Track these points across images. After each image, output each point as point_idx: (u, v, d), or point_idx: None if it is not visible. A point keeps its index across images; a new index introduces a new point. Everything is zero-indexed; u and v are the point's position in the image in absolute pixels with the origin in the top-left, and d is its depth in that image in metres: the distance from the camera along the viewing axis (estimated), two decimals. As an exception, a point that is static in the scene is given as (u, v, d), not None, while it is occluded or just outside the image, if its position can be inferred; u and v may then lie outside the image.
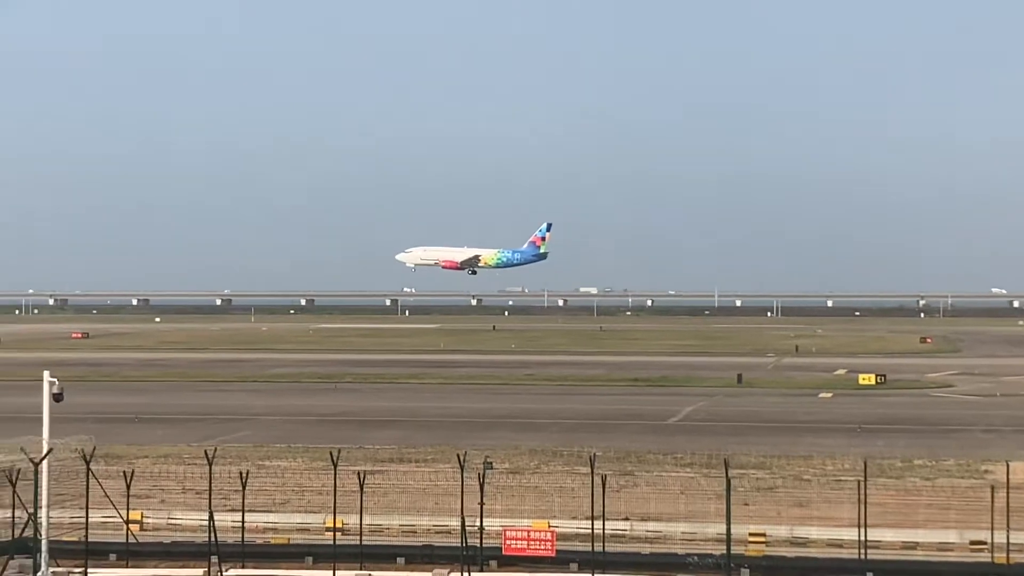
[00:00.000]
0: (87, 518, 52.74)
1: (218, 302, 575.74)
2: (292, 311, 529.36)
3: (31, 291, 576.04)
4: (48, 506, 50.93)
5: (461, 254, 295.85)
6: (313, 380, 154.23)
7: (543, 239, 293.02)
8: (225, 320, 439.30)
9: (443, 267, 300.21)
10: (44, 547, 50.66)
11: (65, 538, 53.70)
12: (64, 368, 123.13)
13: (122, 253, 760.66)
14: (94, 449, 53.95)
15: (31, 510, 50.24)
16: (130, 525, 55.61)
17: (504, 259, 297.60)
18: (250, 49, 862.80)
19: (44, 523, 50.61)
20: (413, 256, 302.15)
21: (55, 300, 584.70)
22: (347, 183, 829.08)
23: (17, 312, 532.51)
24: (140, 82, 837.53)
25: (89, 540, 52.37)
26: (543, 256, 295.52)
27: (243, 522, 54.64)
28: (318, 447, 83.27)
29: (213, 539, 52.25)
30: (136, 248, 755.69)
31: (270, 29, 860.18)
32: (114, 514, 55.52)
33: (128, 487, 55.16)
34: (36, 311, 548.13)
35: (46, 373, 52.59)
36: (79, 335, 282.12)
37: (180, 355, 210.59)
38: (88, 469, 52.45)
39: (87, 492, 52.63)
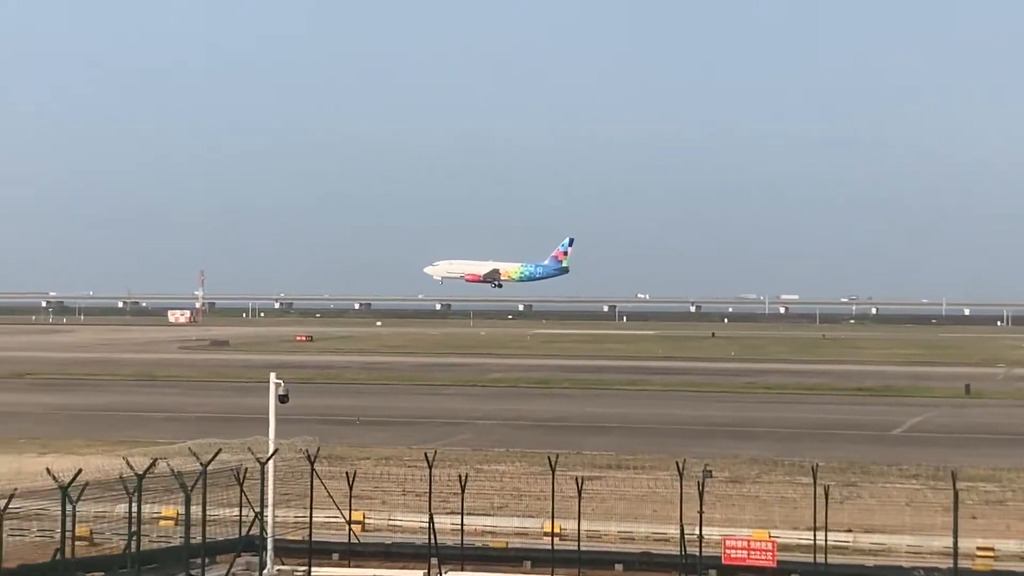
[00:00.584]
0: (311, 517, 54.16)
1: (438, 307, 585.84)
2: (510, 316, 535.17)
3: (258, 295, 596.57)
4: (273, 505, 52.51)
5: (483, 267, 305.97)
6: (530, 385, 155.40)
7: (565, 253, 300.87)
8: (445, 324, 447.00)
9: (466, 280, 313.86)
10: (270, 545, 52.24)
11: (289, 537, 55.27)
12: (289, 370, 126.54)
13: (344, 258, 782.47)
14: (318, 450, 55.40)
15: (257, 509, 51.86)
16: (352, 525, 56.89)
17: (527, 273, 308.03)
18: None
19: (270, 521, 52.20)
20: (439, 269, 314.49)
21: (280, 304, 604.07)
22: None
23: (244, 315, 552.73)
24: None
25: (313, 539, 53.77)
26: (565, 270, 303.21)
27: (462, 525, 55.33)
28: (536, 452, 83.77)
29: (433, 541, 53.04)
30: (357, 253, 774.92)
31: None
32: (337, 514, 56.89)
33: (351, 488, 56.46)
34: (262, 314, 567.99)
35: (272, 375, 54.24)
36: (303, 338, 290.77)
37: (401, 359, 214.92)
38: (312, 469, 53.86)
39: (311, 492, 54.06)
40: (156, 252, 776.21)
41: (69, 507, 44.85)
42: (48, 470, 45.29)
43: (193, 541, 49.06)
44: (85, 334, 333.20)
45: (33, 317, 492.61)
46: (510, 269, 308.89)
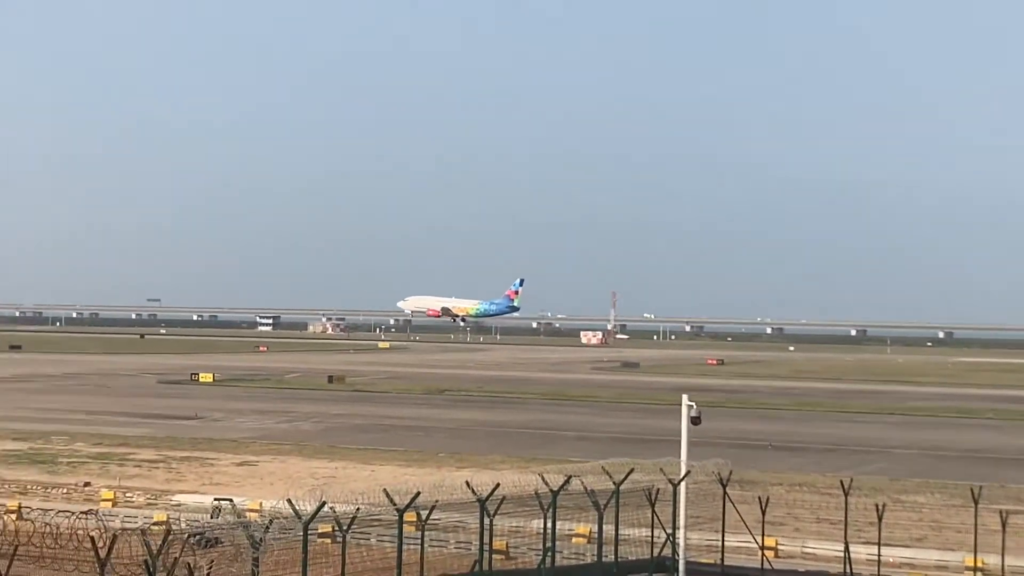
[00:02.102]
0: (723, 541, 54.01)
1: (852, 332, 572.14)
2: (929, 343, 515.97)
3: (669, 318, 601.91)
4: (685, 527, 52.73)
5: (439, 303, 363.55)
6: (953, 415, 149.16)
7: (516, 292, 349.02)
8: (859, 351, 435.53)
9: (428, 315, 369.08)
10: (682, 567, 52.45)
11: (702, 560, 55.32)
12: (699, 393, 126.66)
13: (755, 281, 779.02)
14: (730, 474, 55.21)
15: (669, 530, 52.21)
16: (765, 551, 56.33)
17: (482, 310, 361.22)
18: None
19: (682, 543, 52.44)
20: (409, 304, 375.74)
21: (691, 327, 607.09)
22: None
23: (655, 338, 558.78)
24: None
25: (725, 563, 53.60)
26: (516, 308, 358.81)
27: (879, 555, 53.72)
28: (956, 483, 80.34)
29: (849, 571, 51.78)
30: (766, 277, 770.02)
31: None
32: (748, 539, 56.46)
33: (763, 513, 55.94)
34: (672, 337, 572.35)
35: (684, 397, 54.53)
36: (714, 361, 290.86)
37: (814, 384, 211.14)
38: (724, 493, 53.73)
39: (723, 516, 53.93)
40: (570, 274, 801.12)
41: (487, 520, 46.67)
42: (468, 483, 47.26)
43: (605, 559, 49.95)
44: (501, 353, 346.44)
45: (452, 335, 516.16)
46: (468, 306, 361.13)
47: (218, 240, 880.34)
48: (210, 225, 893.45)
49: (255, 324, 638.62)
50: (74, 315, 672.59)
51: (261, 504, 61.65)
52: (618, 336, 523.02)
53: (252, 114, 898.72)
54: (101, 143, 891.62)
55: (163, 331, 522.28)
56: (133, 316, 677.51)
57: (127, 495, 70.97)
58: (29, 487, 74.21)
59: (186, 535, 42.55)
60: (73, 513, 57.01)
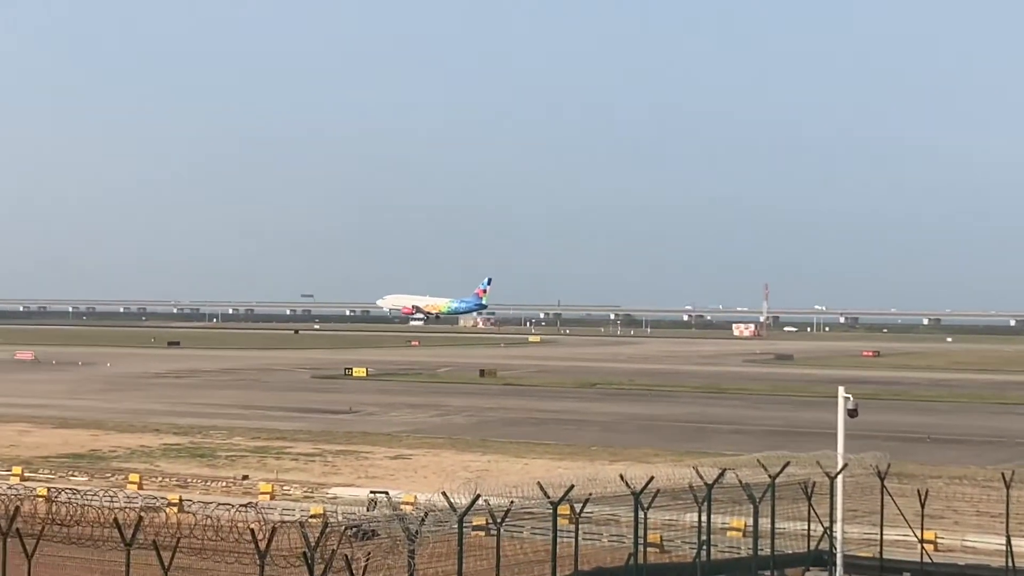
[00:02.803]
0: (881, 535, 53.12)
1: (1012, 323, 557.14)
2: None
3: (822, 308, 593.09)
4: (842, 520, 51.97)
5: (411, 301, 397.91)
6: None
7: (484, 291, 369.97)
8: (1019, 341, 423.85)
9: (403, 312, 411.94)
10: (839, 561, 51.73)
11: (860, 553, 54.48)
12: (855, 385, 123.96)
13: (912, 272, 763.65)
14: (888, 467, 54.26)
15: (825, 524, 51.53)
16: (924, 545, 55.24)
17: (452, 308, 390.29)
18: None
19: (839, 537, 51.70)
20: (387, 302, 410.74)
21: (845, 318, 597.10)
22: None
23: (808, 329, 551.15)
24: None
25: (884, 557, 52.71)
26: (484, 306, 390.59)
27: (1037, 551, 52.29)
28: None
29: (1011, 565, 50.53)
30: (926, 267, 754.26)
31: None
32: (907, 533, 55.46)
33: (922, 506, 54.86)
34: (827, 328, 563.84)
35: (840, 389, 53.70)
36: (870, 353, 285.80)
37: (973, 376, 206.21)
38: (883, 486, 52.83)
39: (881, 509, 53.04)
40: (720, 266, 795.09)
41: (641, 513, 46.59)
42: (621, 476, 47.22)
43: (761, 553, 49.51)
44: (652, 346, 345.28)
45: (602, 329, 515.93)
46: (440, 304, 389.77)
47: (371, 237, 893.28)
48: (363, 222, 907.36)
49: (407, 319, 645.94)
50: (230, 311, 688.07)
51: (416, 497, 62.40)
52: (786, 329, 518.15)
53: (404, 113, 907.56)
54: (255, 148, 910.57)
55: (317, 326, 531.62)
56: (287, 312, 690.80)
57: (284, 488, 72.46)
58: (190, 480, 76.23)
59: (343, 527, 43.22)
60: (233, 506, 58.36)
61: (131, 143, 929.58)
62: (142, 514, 49.15)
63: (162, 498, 65.04)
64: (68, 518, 49.43)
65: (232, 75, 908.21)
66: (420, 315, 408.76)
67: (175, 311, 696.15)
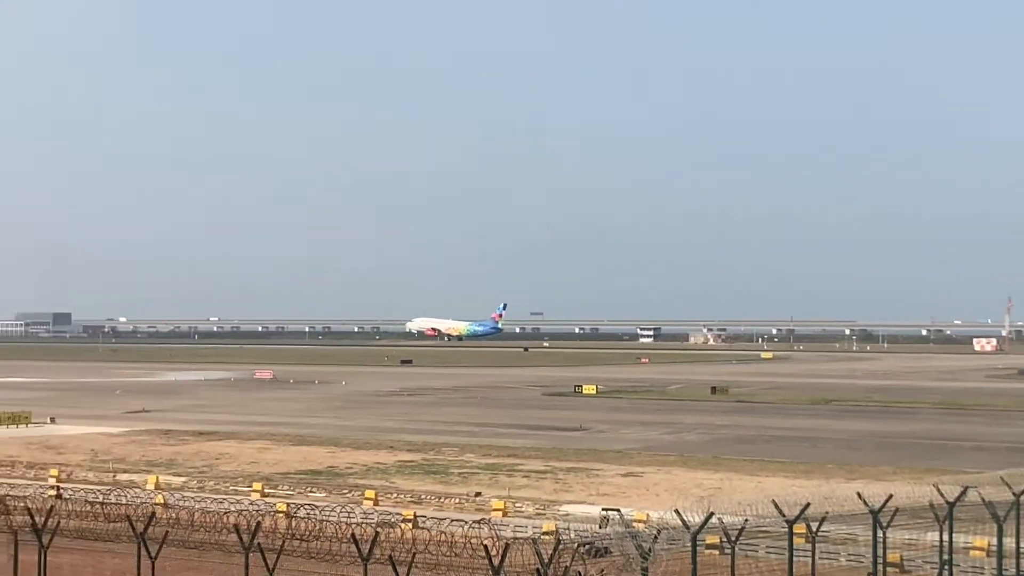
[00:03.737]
0: None
1: None
2: None
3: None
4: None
5: (436, 324, 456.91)
6: None
7: (500, 316, 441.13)
8: None
9: (427, 333, 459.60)
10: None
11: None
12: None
13: None
14: None
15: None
16: None
17: (471, 331, 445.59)
18: None
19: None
20: (415, 324, 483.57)
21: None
22: None
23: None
24: None
25: None
26: (500, 330, 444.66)
27: None
28: None
29: None
30: None
31: None
32: None
33: None
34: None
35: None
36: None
37: None
38: None
39: None
40: (960, 280, 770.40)
41: (880, 532, 45.51)
42: (859, 495, 46.27)
43: (1005, 573, 47.77)
44: (889, 362, 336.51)
45: (837, 344, 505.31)
46: (460, 327, 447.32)
47: (597, 254, 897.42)
48: (589, 240, 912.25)
49: (636, 336, 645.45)
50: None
51: (647, 515, 62.23)
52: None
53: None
54: (481, 160, 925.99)
55: (546, 344, 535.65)
56: (517, 330, 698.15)
57: (516, 505, 73.12)
58: (424, 497, 77.64)
59: (576, 545, 43.50)
60: (466, 522, 59.32)
61: (367, 162, 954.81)
62: (378, 529, 50.40)
63: (397, 514, 66.41)
64: (307, 533, 51.08)
65: (482, 86, 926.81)
66: (444, 336, 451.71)
67: (406, 330, 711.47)
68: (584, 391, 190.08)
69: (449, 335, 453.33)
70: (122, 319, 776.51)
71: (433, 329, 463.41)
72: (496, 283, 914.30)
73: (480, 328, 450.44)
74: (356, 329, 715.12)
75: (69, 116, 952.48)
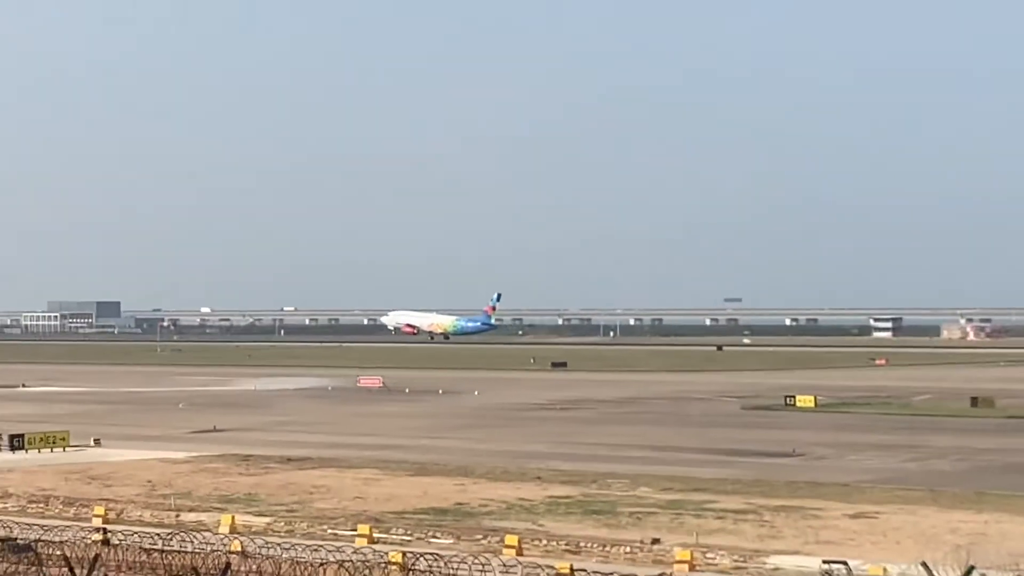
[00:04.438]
0: None
1: None
2: None
3: None
4: None
5: (406, 317, 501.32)
6: None
7: (494, 308, 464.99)
8: None
9: (403, 331, 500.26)
10: None
11: None
12: None
13: None
14: None
15: None
16: None
17: (459, 327, 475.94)
18: None
19: None
20: (391, 319, 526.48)
21: None
22: None
23: None
24: None
25: None
26: (493, 325, 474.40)
27: None
28: None
29: None
30: None
31: None
32: None
33: None
34: None
35: None
36: None
37: None
38: None
39: None
40: None
41: None
42: None
43: None
44: None
45: None
46: (445, 322, 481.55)
47: (814, 230, 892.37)
48: (805, 212, 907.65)
49: (869, 329, 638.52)
50: (631, 322, 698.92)
51: (885, 569, 61.68)
52: None
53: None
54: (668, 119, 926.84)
55: (746, 340, 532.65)
56: (707, 322, 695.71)
57: (708, 555, 72.87)
58: (583, 544, 77.72)
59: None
60: (641, 577, 59.34)
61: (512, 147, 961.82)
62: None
63: (548, 567, 66.58)
64: (429, 591, 51.50)
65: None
66: (426, 334, 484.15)
67: (560, 322, 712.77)
68: (798, 403, 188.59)
69: (432, 333, 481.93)
70: (205, 309, 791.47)
71: (410, 326, 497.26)
72: (681, 261, 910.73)
73: (471, 324, 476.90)
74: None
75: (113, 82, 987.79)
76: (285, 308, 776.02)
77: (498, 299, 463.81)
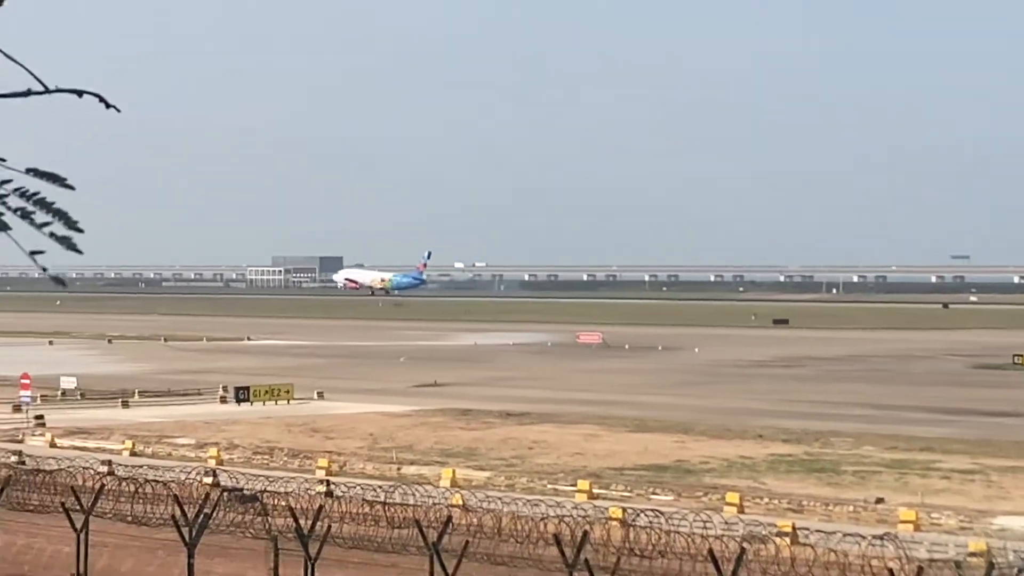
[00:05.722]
0: None
1: None
2: None
3: None
4: None
5: (350, 274, 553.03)
6: None
7: (425, 265, 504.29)
8: None
9: (348, 287, 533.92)
10: None
11: None
12: None
13: None
14: None
15: None
16: None
17: (396, 282, 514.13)
18: None
19: None
20: (339, 276, 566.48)
21: None
22: None
23: None
24: None
25: None
26: (424, 281, 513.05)
27: None
28: None
29: None
30: None
31: None
32: None
33: None
34: None
35: None
36: None
37: None
38: None
39: None
40: None
41: None
42: None
43: None
44: None
45: None
46: (387, 278, 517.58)
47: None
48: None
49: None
50: (854, 279, 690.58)
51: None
52: None
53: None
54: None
55: (973, 298, 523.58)
56: (932, 279, 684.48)
57: (932, 516, 71.93)
58: (805, 503, 77.25)
59: (1015, 571, 42.55)
60: (864, 537, 58.65)
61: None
62: (744, 545, 50.44)
63: (770, 525, 66.26)
64: (649, 548, 51.53)
65: None
66: (367, 289, 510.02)
67: (781, 279, 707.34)
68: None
69: (372, 288, 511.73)
70: (458, 264, 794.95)
71: (352, 281, 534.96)
72: (904, 217, 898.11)
73: (405, 279, 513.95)
74: (712, 278, 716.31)
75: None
76: (476, 263, 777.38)
77: (428, 256, 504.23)
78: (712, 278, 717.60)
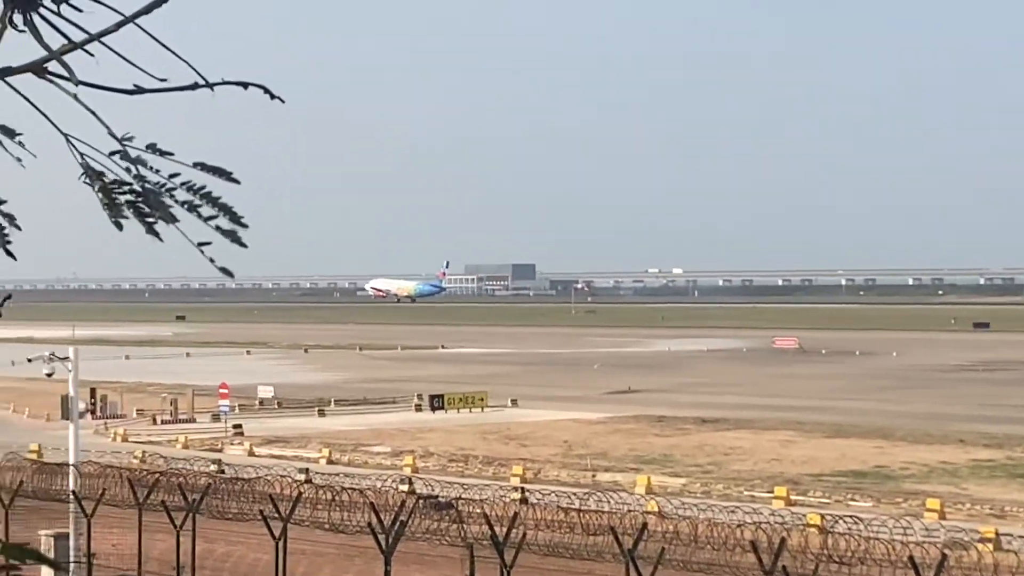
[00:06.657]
0: None
1: None
2: None
3: None
4: None
5: (377, 283, 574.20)
6: None
7: (444, 274, 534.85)
8: None
9: (376, 296, 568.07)
10: None
11: None
12: None
13: None
14: None
15: None
16: None
17: (418, 291, 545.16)
18: None
19: None
20: (368, 285, 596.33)
21: None
22: None
23: None
24: None
25: None
26: (443, 289, 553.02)
27: None
28: None
29: None
30: None
31: None
32: None
33: None
34: None
35: None
36: None
37: None
38: None
39: None
40: None
41: None
42: None
43: None
44: None
45: None
46: (409, 287, 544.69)
47: None
48: None
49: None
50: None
51: None
52: None
53: None
54: None
55: None
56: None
57: None
58: (1008, 509, 75.94)
59: None
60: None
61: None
62: (946, 551, 49.61)
63: (972, 531, 65.11)
64: (848, 554, 50.86)
65: None
66: (393, 298, 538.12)
67: (981, 282, 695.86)
68: None
69: (399, 296, 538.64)
70: (653, 269, 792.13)
71: (378, 289, 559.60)
72: None
73: (426, 288, 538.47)
74: (911, 282, 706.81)
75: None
76: (649, 268, 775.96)
77: (447, 266, 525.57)
78: (910, 281, 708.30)
